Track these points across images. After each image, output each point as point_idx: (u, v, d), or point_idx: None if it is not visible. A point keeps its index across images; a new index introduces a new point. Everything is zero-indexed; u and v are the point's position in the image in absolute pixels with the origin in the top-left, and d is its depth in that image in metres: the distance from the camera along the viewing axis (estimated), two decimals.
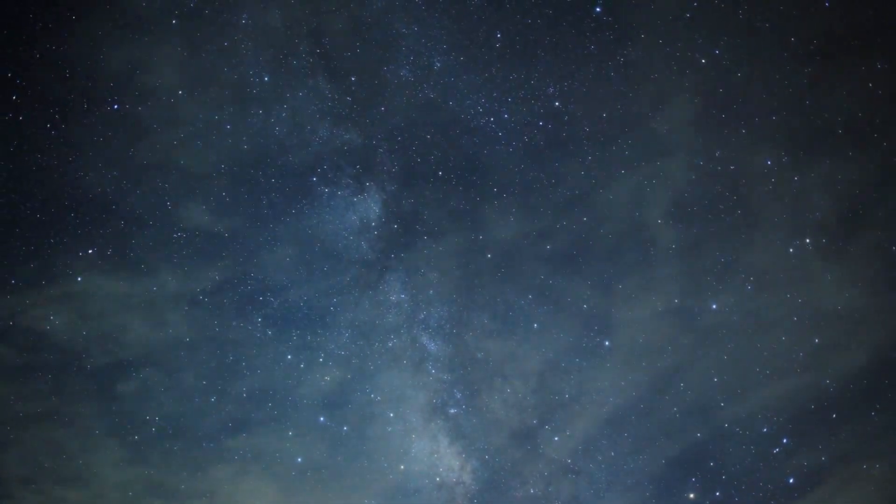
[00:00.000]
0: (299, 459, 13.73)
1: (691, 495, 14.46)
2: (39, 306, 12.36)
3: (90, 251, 12.36)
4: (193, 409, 13.31)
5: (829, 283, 13.70)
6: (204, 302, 13.04)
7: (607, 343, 14.43)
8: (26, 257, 12.19)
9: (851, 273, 13.69)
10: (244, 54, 13.23)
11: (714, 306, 14.02)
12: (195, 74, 13.13)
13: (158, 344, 13.10)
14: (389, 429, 14.61)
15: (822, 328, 13.83)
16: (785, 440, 14.14)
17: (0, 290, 12.18)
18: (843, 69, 12.99)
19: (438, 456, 14.64)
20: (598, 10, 13.37)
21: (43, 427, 12.73)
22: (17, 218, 12.12)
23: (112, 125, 12.70)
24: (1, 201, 12.11)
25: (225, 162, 12.72)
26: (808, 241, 13.59)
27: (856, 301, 13.76)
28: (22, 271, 12.20)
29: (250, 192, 12.85)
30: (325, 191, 14.01)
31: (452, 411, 14.72)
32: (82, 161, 12.54)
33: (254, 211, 13.01)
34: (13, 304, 12.24)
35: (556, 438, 14.77)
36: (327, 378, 14.37)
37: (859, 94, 13.06)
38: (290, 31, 13.31)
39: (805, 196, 13.45)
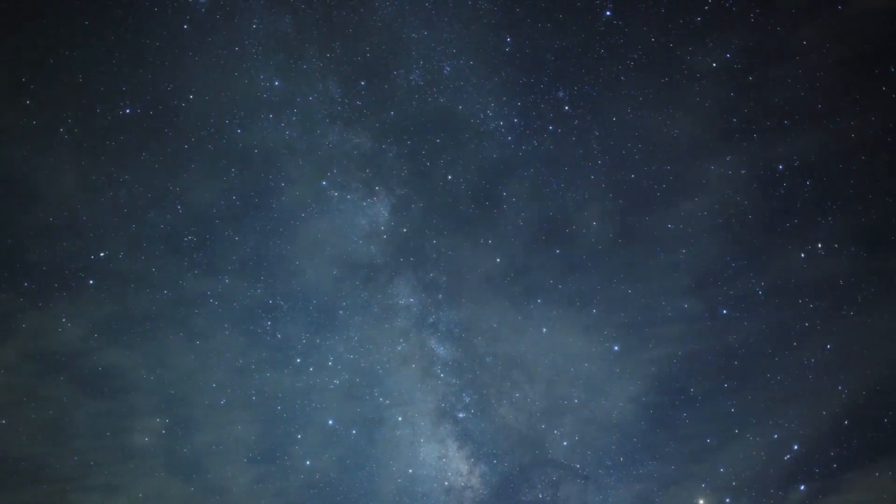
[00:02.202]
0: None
1: (700, 501, 14.39)
2: None
3: None
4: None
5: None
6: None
7: None
8: None
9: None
10: (255, 59, 13.35)
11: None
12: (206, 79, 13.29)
13: None
14: (398, 432, 14.67)
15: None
16: None
17: None
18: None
19: (447, 460, 14.66)
20: (608, 13, 13.37)
21: None
22: None
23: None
24: None
25: None
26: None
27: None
28: None
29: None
30: (335, 195, 14.10)
31: (461, 415, 14.74)
32: None
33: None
34: None
35: (564, 443, 14.75)
36: (336, 381, 14.46)
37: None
38: (301, 36, 13.42)
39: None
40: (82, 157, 13.11)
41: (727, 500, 14.25)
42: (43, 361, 13.72)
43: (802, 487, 14.14)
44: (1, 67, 12.64)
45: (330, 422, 14.48)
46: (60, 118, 12.86)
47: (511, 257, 14.46)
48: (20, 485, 13.75)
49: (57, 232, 13.34)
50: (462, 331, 14.64)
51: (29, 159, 12.99)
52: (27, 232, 13.32)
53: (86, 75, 12.83)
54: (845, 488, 13.88)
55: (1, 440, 13.66)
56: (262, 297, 14.13)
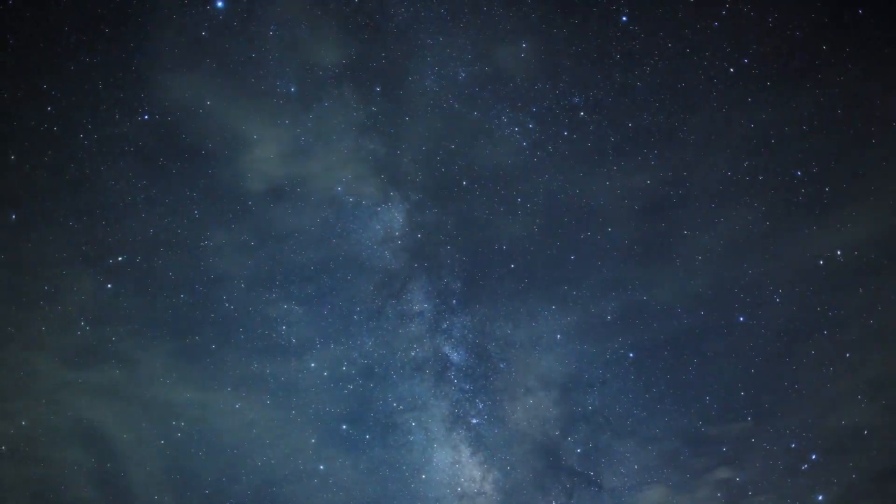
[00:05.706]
0: None
1: None
2: None
3: None
4: None
5: None
6: None
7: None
8: None
9: None
10: (271, 65, 13.44)
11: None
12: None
13: None
14: (411, 438, 14.68)
15: None
16: None
17: None
18: None
19: (460, 466, 14.65)
20: (624, 19, 13.30)
21: None
22: None
23: None
24: None
25: None
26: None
27: None
28: None
29: None
30: (350, 200, 14.14)
31: (475, 421, 14.73)
32: None
33: None
34: None
35: (578, 451, 14.69)
36: (350, 386, 14.53)
37: None
38: (317, 42, 13.49)
39: None
40: (101, 162, 13.30)
41: None
42: None
43: (821, 497, 14.00)
44: (21, 74, 12.84)
45: (343, 426, 14.55)
46: (80, 124, 13.04)
47: (525, 263, 14.44)
48: None
49: None
50: (476, 336, 14.65)
51: (50, 165, 13.19)
52: None
53: (105, 82, 13.02)
54: None
55: None
56: (277, 302, 14.27)
